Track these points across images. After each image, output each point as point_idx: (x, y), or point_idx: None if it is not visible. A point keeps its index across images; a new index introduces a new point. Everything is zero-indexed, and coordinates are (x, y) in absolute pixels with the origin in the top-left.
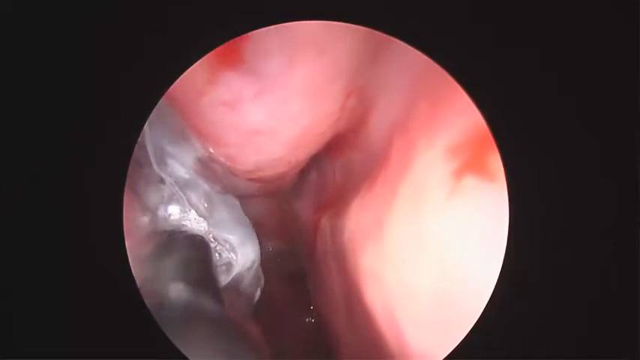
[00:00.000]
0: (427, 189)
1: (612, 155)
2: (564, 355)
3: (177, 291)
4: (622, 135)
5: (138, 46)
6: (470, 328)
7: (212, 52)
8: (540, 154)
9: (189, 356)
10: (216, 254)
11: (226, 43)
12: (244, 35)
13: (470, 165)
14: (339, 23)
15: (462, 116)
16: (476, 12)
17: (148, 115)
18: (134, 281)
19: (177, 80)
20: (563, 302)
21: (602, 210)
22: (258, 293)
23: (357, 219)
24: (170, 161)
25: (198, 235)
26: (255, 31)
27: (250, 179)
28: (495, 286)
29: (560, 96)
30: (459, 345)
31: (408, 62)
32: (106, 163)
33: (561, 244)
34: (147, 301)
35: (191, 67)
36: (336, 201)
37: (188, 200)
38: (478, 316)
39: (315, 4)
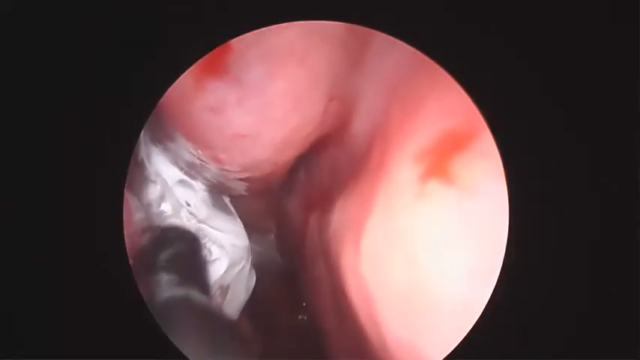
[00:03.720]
0: (399, 191)
1: (612, 155)
2: (564, 355)
3: (168, 285)
4: (622, 135)
5: (138, 46)
6: (470, 328)
7: (199, 64)
8: (540, 153)
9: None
10: (207, 250)
11: (211, 57)
12: (227, 48)
13: (433, 170)
14: (334, 23)
15: (430, 123)
16: (475, 11)
17: (148, 115)
18: (134, 280)
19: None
20: (563, 302)
21: (602, 210)
22: (249, 290)
23: (340, 216)
24: (162, 161)
25: (190, 232)
26: (236, 43)
27: (239, 179)
28: (495, 286)
29: (559, 96)
30: (458, 345)
31: (386, 67)
32: (106, 163)
33: (561, 245)
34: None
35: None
36: (324, 199)
37: (180, 198)
38: (477, 317)
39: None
